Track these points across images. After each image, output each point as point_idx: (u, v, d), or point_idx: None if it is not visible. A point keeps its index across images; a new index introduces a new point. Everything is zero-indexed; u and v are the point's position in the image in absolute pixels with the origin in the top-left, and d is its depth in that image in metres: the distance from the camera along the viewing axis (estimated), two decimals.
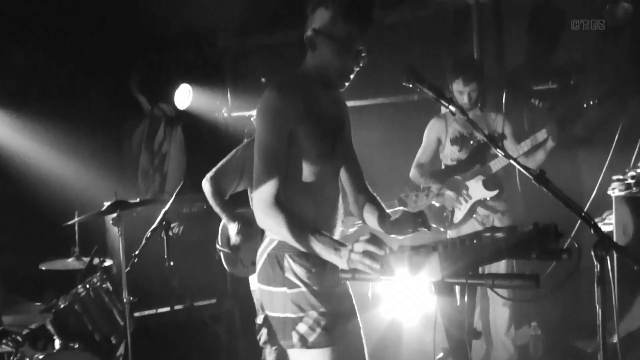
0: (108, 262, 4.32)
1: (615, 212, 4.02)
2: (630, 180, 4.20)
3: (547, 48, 5.09)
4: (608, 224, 4.11)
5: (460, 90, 4.31)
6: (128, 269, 4.01)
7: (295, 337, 2.43)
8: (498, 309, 4.44)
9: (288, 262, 2.47)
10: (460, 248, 2.08)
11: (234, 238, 4.00)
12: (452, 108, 2.36)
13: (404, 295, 4.91)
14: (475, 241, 2.15)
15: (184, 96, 6.06)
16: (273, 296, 2.50)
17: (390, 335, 4.56)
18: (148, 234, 4.14)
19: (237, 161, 3.92)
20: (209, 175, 3.99)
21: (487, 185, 4.30)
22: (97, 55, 5.82)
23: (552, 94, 4.80)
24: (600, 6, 4.58)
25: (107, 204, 4.14)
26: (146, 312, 5.12)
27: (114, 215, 3.96)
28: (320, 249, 2.29)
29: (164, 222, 4.15)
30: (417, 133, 4.73)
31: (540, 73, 4.97)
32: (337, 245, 2.27)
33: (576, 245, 2.22)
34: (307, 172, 2.46)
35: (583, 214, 2.35)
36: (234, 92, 6.44)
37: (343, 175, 2.75)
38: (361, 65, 2.44)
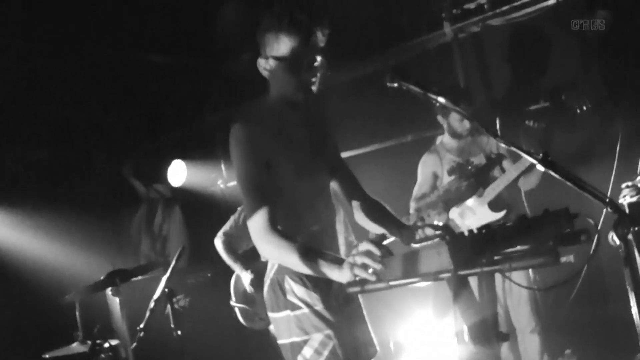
0: (114, 342, 4.13)
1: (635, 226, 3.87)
2: (639, 185, 4.09)
3: (533, 71, 5.07)
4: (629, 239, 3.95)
5: (461, 118, 4.26)
6: (135, 344, 3.82)
7: None
8: (527, 338, 4.21)
9: (289, 283, 2.40)
10: (469, 237, 1.95)
11: (249, 288, 3.93)
12: (441, 99, 2.27)
13: (427, 344, 4.71)
14: (484, 230, 2.01)
15: (178, 173, 6.00)
16: (278, 322, 2.41)
17: None
18: (152, 304, 3.98)
19: (242, 219, 3.95)
20: (220, 232, 4.03)
21: (494, 207, 4.17)
22: (89, 145, 5.83)
23: (545, 113, 4.74)
24: (578, 20, 4.59)
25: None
26: None
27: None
28: (324, 267, 2.17)
29: (166, 290, 3.98)
30: (415, 173, 4.65)
31: (529, 95, 4.93)
32: (339, 259, 2.16)
33: (592, 221, 2.08)
34: (292, 194, 2.41)
35: (597, 194, 2.23)
36: (227, 162, 6.39)
37: (337, 188, 2.67)
38: (319, 74, 2.40)
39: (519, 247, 1.97)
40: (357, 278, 2.07)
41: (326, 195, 2.57)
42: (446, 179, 4.38)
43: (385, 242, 2.19)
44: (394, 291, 4.65)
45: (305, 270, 2.23)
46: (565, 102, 4.52)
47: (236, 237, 4.08)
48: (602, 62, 4.73)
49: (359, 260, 2.02)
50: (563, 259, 4.56)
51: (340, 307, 2.43)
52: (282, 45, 2.34)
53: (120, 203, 6.32)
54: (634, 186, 4.15)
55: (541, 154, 2.27)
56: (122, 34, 5.03)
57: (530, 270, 4.38)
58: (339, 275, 2.12)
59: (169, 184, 6.09)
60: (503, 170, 4.31)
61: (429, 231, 2.31)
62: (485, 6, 4.98)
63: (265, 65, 2.42)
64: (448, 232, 2.21)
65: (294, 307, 2.37)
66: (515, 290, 4.22)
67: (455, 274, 1.91)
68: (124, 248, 6.25)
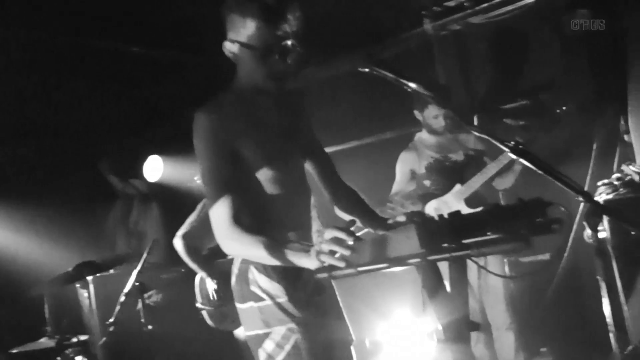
0: (83, 337, 4.04)
1: (607, 220, 3.87)
2: (616, 182, 4.09)
3: (513, 69, 5.07)
4: (601, 230, 3.95)
5: (436, 114, 4.24)
6: (104, 339, 3.74)
7: (262, 356, 2.23)
8: (503, 335, 4.19)
9: (252, 273, 2.30)
10: (439, 221, 1.90)
11: (215, 295, 3.81)
12: (412, 85, 2.23)
13: (405, 343, 4.67)
14: (455, 216, 1.97)
15: (155, 169, 5.91)
16: (243, 314, 2.32)
17: None
18: (122, 298, 3.90)
19: (205, 215, 3.78)
20: (179, 233, 3.85)
21: (470, 204, 4.14)
22: (65, 139, 5.72)
23: (524, 112, 4.73)
24: (557, 18, 4.60)
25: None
26: None
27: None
28: (291, 256, 2.09)
29: (137, 284, 3.91)
30: (394, 169, 4.61)
31: (509, 94, 4.93)
32: (306, 247, 2.08)
33: (563, 209, 2.05)
34: (264, 181, 2.30)
35: (570, 183, 2.20)
36: None
37: (312, 173, 2.57)
38: (292, 61, 2.23)
39: (490, 234, 1.94)
40: (325, 264, 2.02)
41: (301, 183, 2.46)
42: (424, 176, 4.35)
43: (359, 234, 2.14)
44: (372, 288, 4.61)
45: (272, 262, 2.16)
46: (544, 101, 4.52)
47: (197, 237, 3.89)
48: (582, 61, 4.73)
49: (326, 247, 1.96)
50: (539, 257, 4.57)
51: (309, 299, 2.33)
52: (250, 30, 2.18)
53: (96, 198, 6.21)
54: (610, 184, 4.16)
55: (512, 142, 2.24)
56: (100, 24, 4.91)
57: (506, 267, 4.37)
58: (307, 262, 2.05)
59: (145, 180, 5.99)
60: (481, 168, 4.29)
61: (401, 219, 2.25)
62: (466, 4, 4.98)
63: (231, 49, 2.26)
64: (418, 217, 2.16)
65: (257, 298, 2.27)
66: (492, 287, 4.20)
67: (424, 259, 1.86)
68: (100, 244, 6.14)
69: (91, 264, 3.82)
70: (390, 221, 2.33)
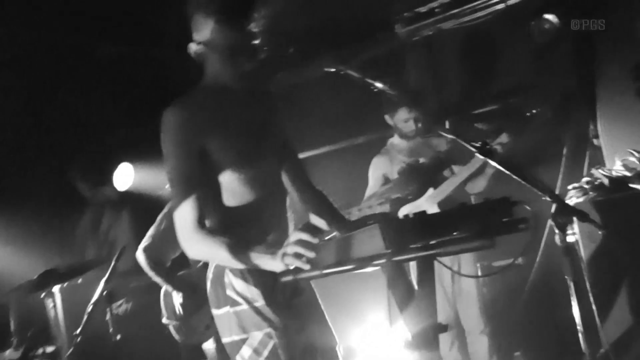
0: (50, 348, 3.95)
1: (577, 220, 3.88)
2: (586, 186, 4.11)
3: (484, 74, 5.09)
4: (570, 234, 3.96)
5: (406, 118, 4.24)
6: (72, 350, 3.65)
7: None
8: (476, 339, 4.18)
9: (228, 277, 2.25)
10: (404, 220, 1.88)
11: (181, 309, 3.73)
12: (380, 85, 2.22)
13: (379, 349, 4.64)
14: (420, 215, 1.95)
15: (125, 176, 5.82)
16: (219, 319, 2.27)
17: None
18: (89, 308, 3.80)
19: (166, 227, 3.70)
20: (141, 246, 3.77)
21: (444, 208, 4.14)
22: (32, 145, 5.61)
23: (495, 116, 4.75)
24: (527, 24, 4.63)
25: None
26: None
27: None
28: (256, 258, 2.07)
29: (105, 292, 3.82)
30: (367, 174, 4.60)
31: (480, 98, 4.95)
32: (272, 249, 2.05)
33: (528, 208, 2.05)
34: (236, 180, 2.25)
35: (537, 183, 2.21)
36: None
37: (283, 173, 2.52)
38: (259, 61, 2.23)
39: (456, 234, 1.92)
40: (291, 267, 1.99)
41: (271, 181, 2.40)
42: (397, 180, 4.34)
43: (327, 238, 2.11)
44: (345, 292, 4.57)
45: (237, 265, 2.13)
46: (514, 105, 4.54)
47: (159, 249, 3.80)
48: (550, 66, 4.77)
49: (291, 249, 1.94)
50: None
51: (288, 302, 2.29)
52: (212, 31, 2.16)
53: (65, 206, 6.10)
54: (580, 187, 4.18)
55: (480, 143, 2.24)
56: (66, 20, 4.77)
57: (479, 273, 4.37)
58: (272, 264, 2.03)
59: (115, 188, 5.90)
60: (453, 171, 4.29)
61: (367, 220, 2.23)
62: (437, 10, 5.00)
63: (196, 50, 2.23)
64: (383, 217, 2.14)
65: (234, 303, 2.22)
66: (465, 292, 4.20)
67: (389, 259, 1.84)
68: (69, 252, 6.03)
69: (55, 272, 3.71)
70: (356, 222, 2.30)
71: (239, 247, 2.08)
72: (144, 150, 6.04)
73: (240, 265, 2.14)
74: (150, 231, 3.71)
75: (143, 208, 6.12)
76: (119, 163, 5.83)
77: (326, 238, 2.11)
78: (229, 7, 2.14)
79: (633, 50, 4.22)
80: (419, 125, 4.22)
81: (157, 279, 3.67)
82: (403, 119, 4.26)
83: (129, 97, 5.73)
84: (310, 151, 5.42)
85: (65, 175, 6.02)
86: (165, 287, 3.80)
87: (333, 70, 2.29)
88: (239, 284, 2.23)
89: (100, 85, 5.50)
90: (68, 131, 5.70)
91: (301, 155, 5.21)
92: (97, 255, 5.96)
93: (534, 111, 4.15)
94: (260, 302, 2.21)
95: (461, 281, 4.23)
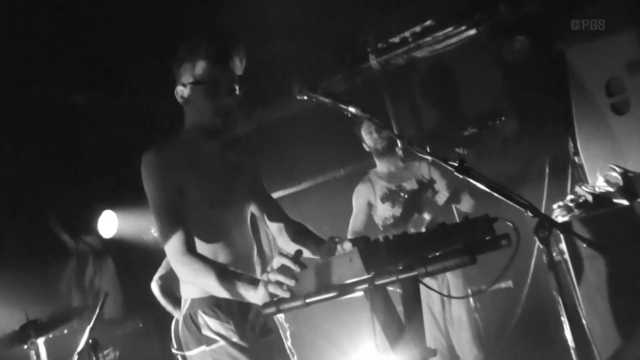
0: None
1: (563, 238, 3.87)
2: (570, 204, 4.11)
3: (459, 99, 5.13)
4: (560, 252, 3.94)
5: (370, 130, 4.26)
6: None
7: None
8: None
9: (202, 317, 2.32)
10: (384, 243, 1.85)
11: None
12: (352, 109, 2.22)
13: None
14: (399, 237, 1.92)
15: (109, 224, 5.76)
16: (194, 359, 2.28)
17: None
18: (75, 357, 3.71)
19: None
20: (156, 276, 3.83)
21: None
22: (12, 195, 5.54)
23: (474, 140, 4.76)
24: (499, 46, 4.68)
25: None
26: None
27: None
28: (240, 289, 2.09)
29: (90, 341, 3.73)
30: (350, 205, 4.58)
31: (458, 122, 4.97)
32: (255, 280, 2.07)
33: (510, 224, 2.01)
34: (206, 221, 2.37)
35: (515, 197, 2.18)
36: None
37: (257, 212, 2.65)
38: (235, 101, 2.39)
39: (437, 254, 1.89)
40: (274, 298, 1.95)
41: (242, 226, 2.51)
42: (380, 207, 4.33)
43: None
44: (336, 324, 4.49)
45: (221, 292, 2.14)
46: (492, 129, 4.56)
47: (173, 279, 3.87)
48: (525, 87, 4.81)
49: (273, 277, 1.92)
50: (502, 285, 4.54)
51: (257, 339, 2.37)
52: (201, 70, 2.35)
53: (47, 257, 6.00)
54: (565, 206, 4.18)
55: (457, 161, 2.22)
56: (42, 71, 4.80)
57: (470, 298, 4.32)
58: (255, 295, 2.02)
59: (99, 235, 5.83)
60: (435, 194, 4.28)
61: (348, 245, 2.21)
62: (409, 39, 5.03)
63: (182, 93, 2.40)
64: (362, 241, 2.11)
65: (210, 341, 2.30)
66: (456, 318, 4.15)
67: (372, 284, 1.80)
68: (54, 303, 5.91)
69: (36, 323, 3.63)
70: (338, 248, 2.27)
71: (226, 273, 2.13)
72: (126, 197, 6.03)
73: (224, 294, 2.14)
74: (164, 262, 3.76)
75: (127, 254, 6.05)
76: (100, 211, 5.77)
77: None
78: (219, 48, 2.35)
79: (606, 66, 4.26)
80: (383, 135, 4.23)
81: (168, 308, 3.70)
82: (367, 130, 4.28)
83: (108, 145, 5.70)
84: (292, 187, 5.41)
85: (45, 225, 5.95)
86: (175, 317, 3.79)
87: (305, 98, 2.28)
88: (213, 323, 2.31)
89: (78, 133, 5.47)
90: (47, 180, 5.63)
91: (284, 192, 5.26)
92: (83, 303, 5.87)
93: (511, 132, 4.16)
94: (235, 337, 2.29)
95: (452, 308, 4.18)
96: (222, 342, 2.27)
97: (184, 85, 2.39)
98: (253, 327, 2.35)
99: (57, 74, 4.90)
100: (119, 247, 5.98)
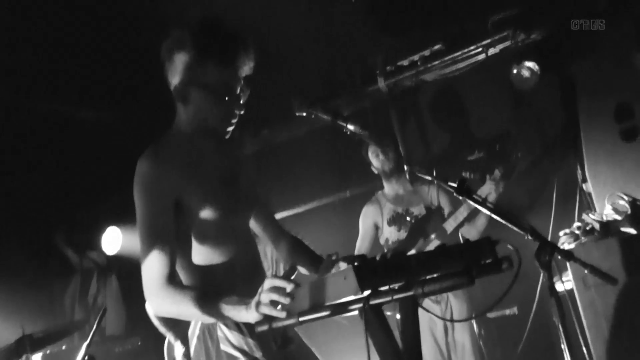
0: None
1: (570, 266, 3.81)
2: (577, 231, 4.06)
3: (468, 122, 5.11)
4: (566, 281, 3.88)
5: (377, 153, 4.24)
6: None
7: None
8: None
9: (222, 331, 2.15)
10: (380, 262, 1.81)
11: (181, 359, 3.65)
12: (350, 127, 2.20)
13: None
14: (397, 256, 1.89)
15: (113, 241, 5.75)
16: None
17: None
18: None
19: None
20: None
21: None
22: (18, 212, 5.55)
23: (482, 164, 4.73)
24: (508, 71, 4.66)
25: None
26: None
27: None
28: (229, 311, 1.97)
29: (86, 358, 3.69)
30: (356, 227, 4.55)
31: (465, 146, 4.94)
32: (245, 300, 1.96)
33: (511, 247, 1.98)
34: (210, 228, 2.17)
35: (517, 222, 2.15)
36: None
37: (255, 226, 2.50)
38: (243, 106, 2.21)
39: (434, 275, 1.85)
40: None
41: (246, 230, 2.37)
42: (386, 229, 4.30)
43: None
44: (334, 344, 4.42)
45: (208, 319, 2.05)
46: (500, 152, 4.53)
47: None
48: (534, 112, 4.79)
49: (265, 297, 1.86)
50: (507, 312, 4.48)
51: (280, 350, 2.20)
52: (210, 73, 2.13)
53: (52, 273, 6.00)
54: (572, 233, 4.12)
55: (457, 181, 2.20)
56: (50, 87, 4.82)
57: (474, 324, 4.25)
58: (246, 315, 1.94)
59: (103, 252, 5.82)
60: (443, 221, 4.23)
61: (343, 264, 2.16)
62: (418, 62, 5.02)
63: (183, 92, 2.17)
64: (358, 259, 2.07)
65: (230, 357, 2.12)
66: (459, 344, 4.09)
67: (367, 303, 1.76)
68: (54, 320, 5.89)
69: (30, 338, 3.57)
70: (335, 266, 2.22)
71: (209, 300, 2.00)
72: (131, 213, 6.01)
73: (211, 320, 2.06)
74: None
75: (131, 271, 6.02)
76: (104, 227, 5.77)
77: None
78: (229, 51, 2.13)
79: (614, 91, 4.24)
80: (390, 156, 4.20)
81: (162, 329, 3.61)
82: (374, 154, 4.27)
83: (113, 161, 5.70)
84: (297, 208, 5.39)
85: (51, 241, 5.96)
86: (168, 338, 3.74)
87: (304, 114, 2.25)
88: (235, 337, 2.14)
89: (83, 150, 5.49)
90: (53, 196, 5.64)
91: (288, 213, 5.23)
92: (86, 320, 5.84)
93: (519, 156, 4.12)
94: (258, 354, 2.12)
95: (455, 333, 4.12)
96: (242, 359, 2.11)
97: (185, 85, 2.17)
98: (275, 339, 2.19)
99: (64, 91, 4.93)
100: (122, 264, 5.97)
